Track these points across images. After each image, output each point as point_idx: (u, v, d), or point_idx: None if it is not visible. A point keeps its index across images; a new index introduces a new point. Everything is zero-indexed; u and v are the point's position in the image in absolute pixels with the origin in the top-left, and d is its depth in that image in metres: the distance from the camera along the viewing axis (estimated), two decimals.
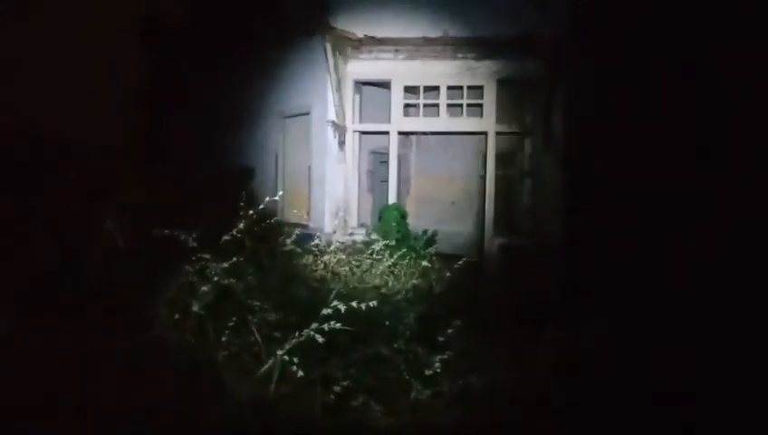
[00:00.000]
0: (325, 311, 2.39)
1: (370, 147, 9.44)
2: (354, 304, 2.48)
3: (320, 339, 2.37)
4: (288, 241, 4.87)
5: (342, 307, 2.43)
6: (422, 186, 10.08)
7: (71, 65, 12.40)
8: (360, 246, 6.49)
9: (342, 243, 5.34)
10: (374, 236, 6.98)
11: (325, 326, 2.37)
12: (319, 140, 8.23)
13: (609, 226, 6.90)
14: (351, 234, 7.70)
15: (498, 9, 7.59)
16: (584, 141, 7.56)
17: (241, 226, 3.22)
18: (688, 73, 6.61)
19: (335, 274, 5.03)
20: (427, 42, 7.80)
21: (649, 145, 6.89)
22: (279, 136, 9.13)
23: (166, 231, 3.18)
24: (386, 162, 8.29)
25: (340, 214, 7.77)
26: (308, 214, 8.25)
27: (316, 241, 5.05)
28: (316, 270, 4.99)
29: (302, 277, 4.90)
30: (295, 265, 5.15)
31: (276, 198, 3.51)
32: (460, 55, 7.92)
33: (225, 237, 3.13)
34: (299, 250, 5.09)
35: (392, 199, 7.96)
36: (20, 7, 11.33)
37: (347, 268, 5.04)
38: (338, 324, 2.42)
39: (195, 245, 3.02)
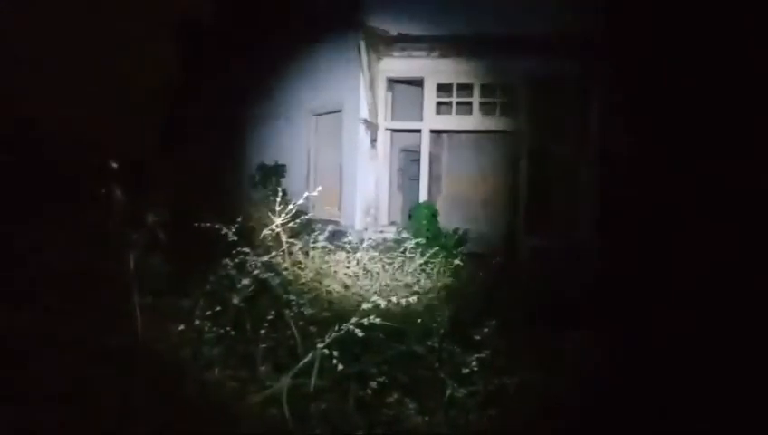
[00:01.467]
0: (365, 305, 2.40)
1: (401, 144, 9.43)
2: (394, 299, 2.48)
3: (359, 333, 2.39)
4: (321, 237, 4.90)
5: (382, 302, 2.43)
6: (454, 185, 10.02)
7: (103, 63, 12.76)
8: (390, 243, 6.50)
9: (373, 240, 5.34)
10: (405, 235, 6.98)
11: (365, 321, 2.39)
12: (350, 138, 8.26)
13: (641, 226, 6.78)
14: (382, 231, 7.71)
15: (533, 6, 7.49)
16: (618, 142, 7.43)
17: (279, 221, 3.25)
18: (723, 71, 6.44)
19: (368, 271, 5.04)
20: (461, 39, 7.75)
21: (686, 146, 6.74)
22: (310, 133, 9.19)
23: (207, 224, 3.24)
24: (417, 160, 8.27)
25: (372, 211, 7.79)
26: (339, 211, 8.29)
27: (349, 238, 5.06)
28: (349, 267, 5.00)
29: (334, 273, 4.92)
30: (328, 262, 5.17)
31: (315, 193, 3.53)
32: (494, 53, 7.85)
33: (266, 232, 3.17)
34: (331, 247, 5.12)
35: (423, 198, 7.94)
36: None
37: (379, 266, 5.05)
38: (377, 319, 2.43)
39: (235, 238, 3.07)
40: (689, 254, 6.05)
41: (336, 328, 2.39)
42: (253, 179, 9.05)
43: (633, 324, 4.97)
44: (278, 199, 3.82)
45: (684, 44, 6.78)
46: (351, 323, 2.40)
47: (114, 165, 2.72)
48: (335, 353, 2.26)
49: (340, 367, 2.24)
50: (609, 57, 7.30)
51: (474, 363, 2.97)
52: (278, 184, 8.39)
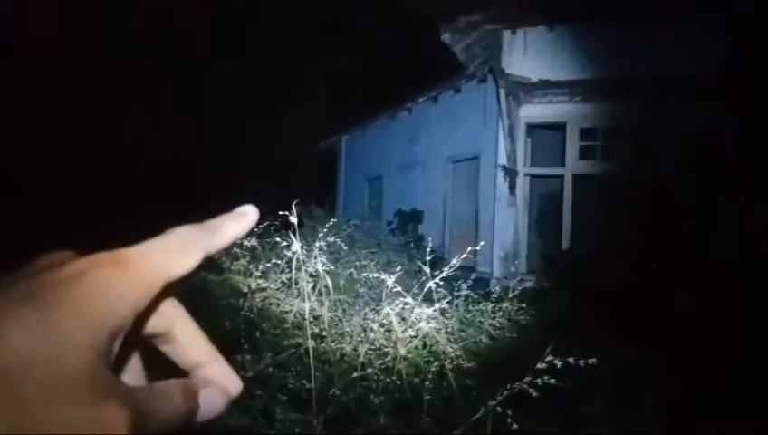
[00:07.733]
0: (540, 365, 2.34)
1: (541, 190, 9.22)
2: (571, 360, 2.39)
3: (534, 393, 2.32)
4: (464, 286, 4.88)
5: (558, 363, 2.35)
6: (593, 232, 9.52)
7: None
8: (530, 293, 6.29)
9: (519, 290, 5.21)
10: (546, 284, 6.72)
11: (539, 381, 2.32)
12: (487, 185, 8.26)
13: None
14: (522, 280, 7.50)
15: (684, 45, 7.09)
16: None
17: (445, 272, 3.31)
18: None
19: (514, 322, 4.92)
20: (603, 83, 7.50)
21: None
22: (447, 180, 9.34)
23: (375, 275, 3.39)
24: (557, 206, 8.02)
25: (515, 260, 7.64)
26: (474, 258, 8.23)
27: (496, 287, 4.99)
28: (494, 317, 4.91)
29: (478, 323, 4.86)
30: (471, 311, 5.13)
31: (478, 247, 3.55)
32: (642, 96, 7.47)
33: (430, 284, 3.24)
34: (474, 295, 5.08)
35: (565, 245, 7.65)
36: None
37: (527, 317, 4.91)
38: (552, 380, 2.35)
39: (399, 289, 3.17)
40: None
41: (508, 386, 2.35)
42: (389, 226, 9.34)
43: None
44: (428, 249, 3.88)
45: None
46: (525, 383, 2.35)
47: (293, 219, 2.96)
48: (509, 412, 2.22)
49: (515, 426, 2.19)
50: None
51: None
52: (415, 230, 8.57)
